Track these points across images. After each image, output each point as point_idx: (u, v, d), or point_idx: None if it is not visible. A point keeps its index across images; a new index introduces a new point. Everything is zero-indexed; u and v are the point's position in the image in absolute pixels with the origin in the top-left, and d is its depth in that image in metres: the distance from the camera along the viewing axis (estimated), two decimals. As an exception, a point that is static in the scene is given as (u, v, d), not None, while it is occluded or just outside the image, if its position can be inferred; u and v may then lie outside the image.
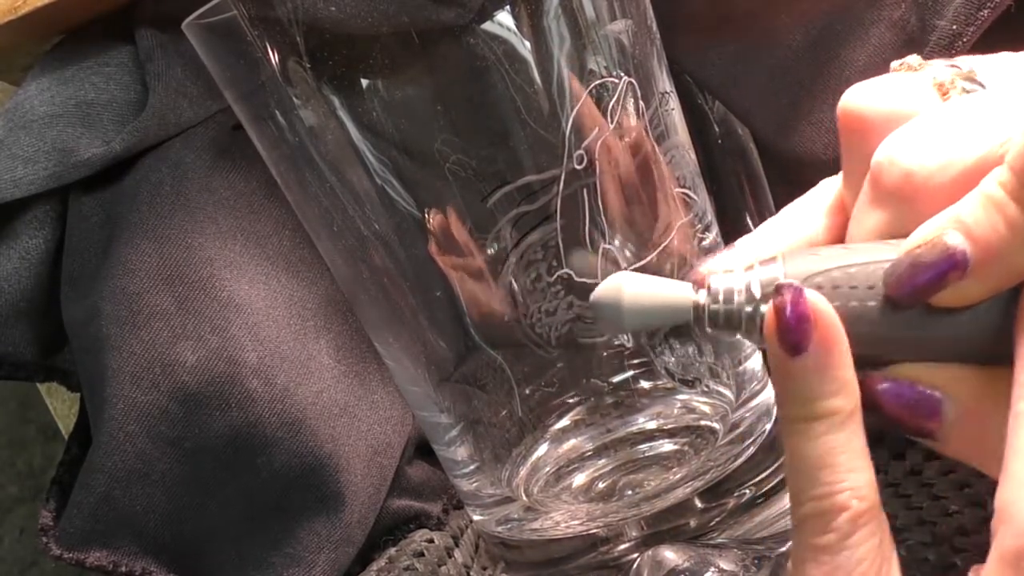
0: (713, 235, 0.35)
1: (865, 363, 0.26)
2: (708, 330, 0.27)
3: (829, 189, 0.30)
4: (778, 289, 0.25)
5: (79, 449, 0.44)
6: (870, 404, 0.26)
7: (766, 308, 0.26)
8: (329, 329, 0.44)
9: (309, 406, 0.42)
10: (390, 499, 0.46)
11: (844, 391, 0.25)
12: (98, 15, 0.45)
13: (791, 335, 0.25)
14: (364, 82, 0.30)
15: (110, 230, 0.43)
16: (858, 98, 0.28)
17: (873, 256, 0.26)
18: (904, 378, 0.26)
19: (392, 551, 0.45)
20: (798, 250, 0.27)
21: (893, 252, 0.25)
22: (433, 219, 0.32)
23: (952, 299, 0.25)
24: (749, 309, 0.26)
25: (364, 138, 0.31)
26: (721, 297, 0.27)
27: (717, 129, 0.48)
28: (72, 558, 0.42)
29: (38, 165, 0.42)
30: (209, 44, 0.32)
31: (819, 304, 0.25)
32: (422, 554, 0.44)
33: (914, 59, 0.28)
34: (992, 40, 0.36)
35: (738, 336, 0.27)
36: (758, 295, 0.26)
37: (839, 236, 0.29)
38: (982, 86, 0.27)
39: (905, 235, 0.25)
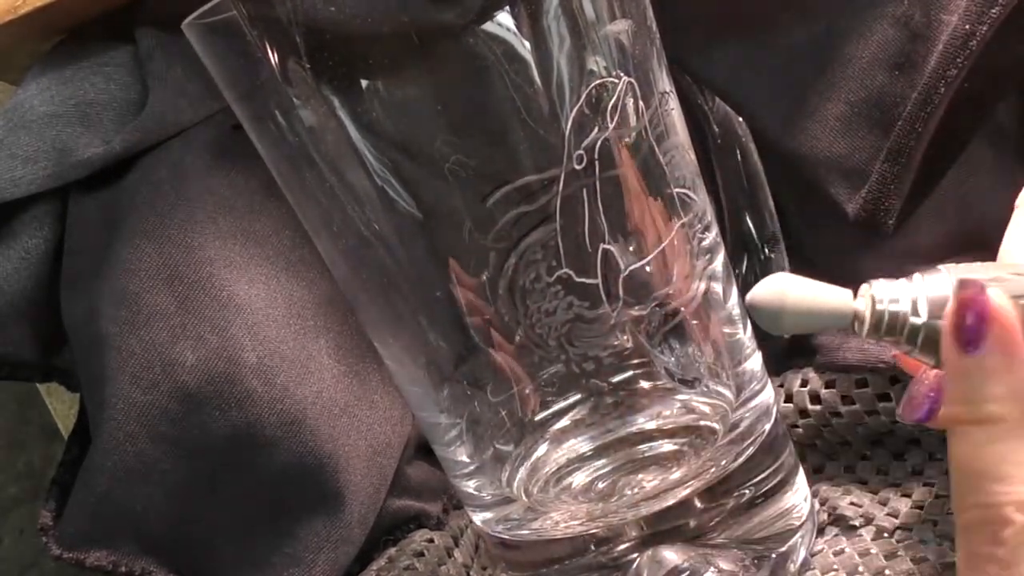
0: (713, 235, 0.35)
1: None
2: (865, 335, 0.27)
3: None
4: (962, 284, 0.25)
5: (79, 449, 0.44)
6: None
7: (922, 320, 0.26)
8: (329, 329, 0.44)
9: (309, 406, 0.42)
10: (390, 499, 0.46)
11: (1015, 399, 0.24)
12: (98, 15, 0.45)
13: (968, 330, 0.25)
14: (364, 82, 0.30)
15: (110, 230, 0.43)
16: None
17: None
18: None
19: (392, 551, 0.45)
20: (961, 265, 0.27)
21: None
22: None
23: None
24: (915, 320, 0.26)
25: (364, 138, 0.31)
26: (887, 304, 0.27)
27: (717, 129, 0.48)
28: (72, 558, 0.42)
29: (38, 165, 0.42)
30: (209, 44, 0.32)
31: (1002, 304, 0.24)
32: (422, 554, 0.44)
33: None
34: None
35: (895, 343, 0.27)
36: (924, 305, 0.26)
37: None
38: None
39: None
